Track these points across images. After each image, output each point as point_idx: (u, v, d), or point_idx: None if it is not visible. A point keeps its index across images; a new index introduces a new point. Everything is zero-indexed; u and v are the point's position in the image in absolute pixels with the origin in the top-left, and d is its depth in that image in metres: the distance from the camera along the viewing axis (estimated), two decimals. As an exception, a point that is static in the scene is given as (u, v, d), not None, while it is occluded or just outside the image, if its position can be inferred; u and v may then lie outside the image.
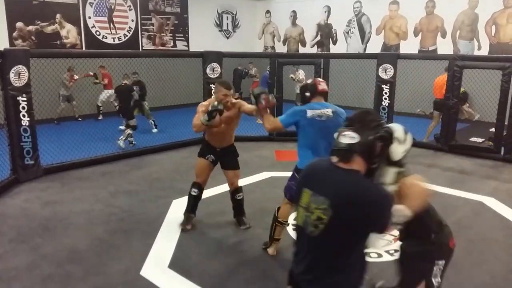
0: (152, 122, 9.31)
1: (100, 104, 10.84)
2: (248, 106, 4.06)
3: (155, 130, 9.22)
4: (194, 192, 4.34)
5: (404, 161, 1.82)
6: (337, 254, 1.70)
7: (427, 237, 2.27)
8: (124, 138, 7.80)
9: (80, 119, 10.64)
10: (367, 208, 1.63)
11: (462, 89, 9.75)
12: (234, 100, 4.13)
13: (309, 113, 3.32)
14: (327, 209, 1.65)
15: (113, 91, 8.86)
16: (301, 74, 10.40)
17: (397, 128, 1.83)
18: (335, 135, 1.73)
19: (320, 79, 3.65)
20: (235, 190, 4.39)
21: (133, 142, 7.90)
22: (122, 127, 8.57)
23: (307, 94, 3.44)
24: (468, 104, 10.41)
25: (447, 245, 2.41)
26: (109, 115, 10.21)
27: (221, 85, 4.09)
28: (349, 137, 1.66)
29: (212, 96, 4.37)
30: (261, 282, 3.40)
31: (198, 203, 4.42)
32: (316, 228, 1.69)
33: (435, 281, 2.34)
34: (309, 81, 3.56)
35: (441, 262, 2.37)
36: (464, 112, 10.25)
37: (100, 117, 10.79)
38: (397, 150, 1.79)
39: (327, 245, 1.71)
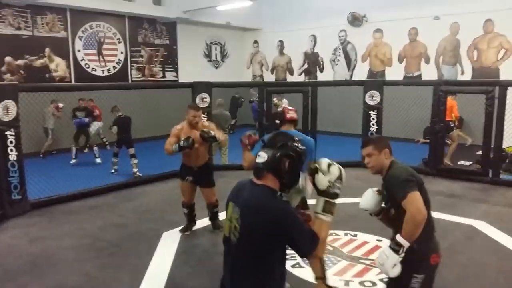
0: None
1: (92, 136, 10.55)
2: (220, 133, 4.82)
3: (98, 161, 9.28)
4: (185, 210, 4.97)
5: (336, 192, 1.99)
6: (252, 261, 1.91)
7: (410, 244, 2.26)
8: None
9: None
10: (267, 216, 1.85)
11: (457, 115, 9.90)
12: (206, 123, 4.86)
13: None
14: (238, 219, 1.92)
15: (102, 123, 8.92)
16: (284, 103, 10.48)
17: (321, 161, 2.03)
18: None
19: (290, 108, 3.82)
20: (211, 205, 4.95)
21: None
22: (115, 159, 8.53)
23: (277, 121, 3.69)
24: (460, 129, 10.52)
25: (427, 260, 2.38)
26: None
27: (190, 108, 4.79)
28: (261, 157, 1.94)
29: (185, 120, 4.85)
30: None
31: (194, 214, 5.02)
32: (235, 236, 1.93)
33: None
34: (278, 110, 3.86)
35: (420, 277, 2.35)
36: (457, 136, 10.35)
37: (108, 147, 10.56)
38: (321, 180, 1.98)
39: (242, 253, 1.93)
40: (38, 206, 6.03)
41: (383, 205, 2.57)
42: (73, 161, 9.18)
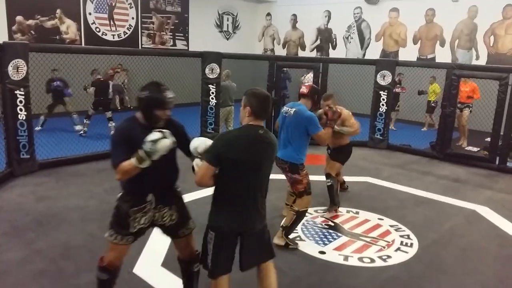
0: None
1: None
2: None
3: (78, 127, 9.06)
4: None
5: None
6: None
7: None
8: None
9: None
10: None
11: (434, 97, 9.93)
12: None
13: (283, 109, 4.13)
14: None
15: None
16: (307, 78, 10.43)
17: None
18: None
19: (306, 83, 4.37)
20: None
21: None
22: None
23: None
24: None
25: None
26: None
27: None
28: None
29: None
30: (255, 283, 3.39)
31: None
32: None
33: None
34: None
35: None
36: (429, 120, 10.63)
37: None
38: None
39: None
40: (46, 166, 6.11)
41: None
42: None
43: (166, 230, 2.80)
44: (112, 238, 2.66)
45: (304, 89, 4.03)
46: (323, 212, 4.90)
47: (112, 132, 2.58)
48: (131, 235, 2.65)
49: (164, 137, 2.38)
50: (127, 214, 2.60)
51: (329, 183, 4.82)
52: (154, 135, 2.37)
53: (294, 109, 3.93)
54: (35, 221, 4.40)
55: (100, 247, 3.88)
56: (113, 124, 8.34)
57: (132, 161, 2.40)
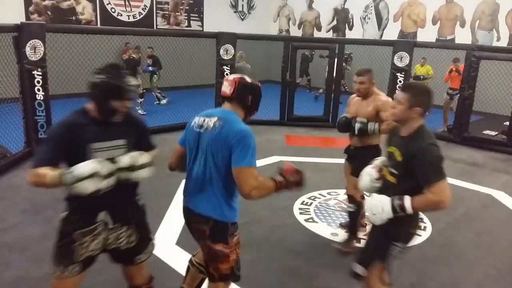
0: (157, 95, 10.06)
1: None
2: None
3: (163, 101, 10.02)
4: None
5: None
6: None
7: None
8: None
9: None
10: None
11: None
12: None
13: (194, 120, 2.62)
14: None
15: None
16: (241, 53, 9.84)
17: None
18: None
19: (231, 77, 2.65)
20: None
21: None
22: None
23: None
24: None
25: (409, 232, 2.35)
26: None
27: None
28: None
29: None
30: (266, 264, 3.45)
31: None
32: None
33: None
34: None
35: (399, 245, 2.30)
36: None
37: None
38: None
39: None
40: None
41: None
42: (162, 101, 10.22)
43: (119, 255, 2.22)
44: (54, 271, 2.08)
45: (226, 87, 2.26)
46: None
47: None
48: (76, 265, 2.06)
49: (98, 175, 1.85)
50: (72, 239, 2.05)
51: (352, 209, 3.70)
52: (84, 168, 1.84)
53: (216, 118, 2.21)
54: (54, 199, 4.49)
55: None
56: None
57: (51, 174, 1.90)
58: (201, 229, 2.22)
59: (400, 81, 7.96)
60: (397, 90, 7.95)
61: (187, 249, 3.51)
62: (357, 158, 3.43)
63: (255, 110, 2.32)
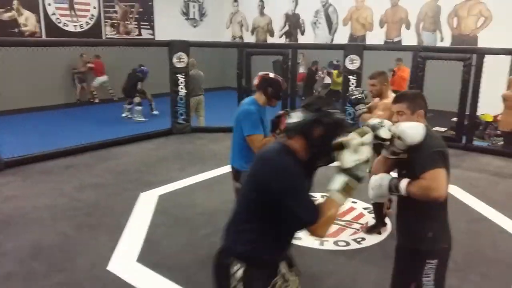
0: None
1: (93, 90, 11.55)
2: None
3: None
4: None
5: (360, 174, 1.70)
6: (242, 215, 1.78)
7: (424, 234, 2.21)
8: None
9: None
10: (260, 167, 1.72)
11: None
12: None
13: None
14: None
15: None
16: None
17: (353, 136, 1.71)
18: None
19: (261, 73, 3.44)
20: None
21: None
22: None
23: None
24: None
25: (439, 247, 2.32)
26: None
27: None
28: (295, 117, 1.74)
29: None
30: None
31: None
32: None
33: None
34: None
35: (434, 262, 2.23)
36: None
37: (97, 100, 11.54)
38: (346, 158, 1.68)
39: (239, 204, 1.84)
40: (11, 165, 5.87)
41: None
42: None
43: None
44: None
45: (254, 80, 3.32)
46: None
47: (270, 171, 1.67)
48: None
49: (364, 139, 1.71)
50: None
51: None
52: (354, 140, 1.68)
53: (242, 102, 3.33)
54: (2, 222, 4.24)
55: (72, 245, 3.79)
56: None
57: (337, 198, 1.68)
58: (232, 172, 3.40)
59: (352, 83, 8.14)
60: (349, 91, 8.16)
61: (149, 266, 3.40)
62: None
63: (275, 98, 3.23)
